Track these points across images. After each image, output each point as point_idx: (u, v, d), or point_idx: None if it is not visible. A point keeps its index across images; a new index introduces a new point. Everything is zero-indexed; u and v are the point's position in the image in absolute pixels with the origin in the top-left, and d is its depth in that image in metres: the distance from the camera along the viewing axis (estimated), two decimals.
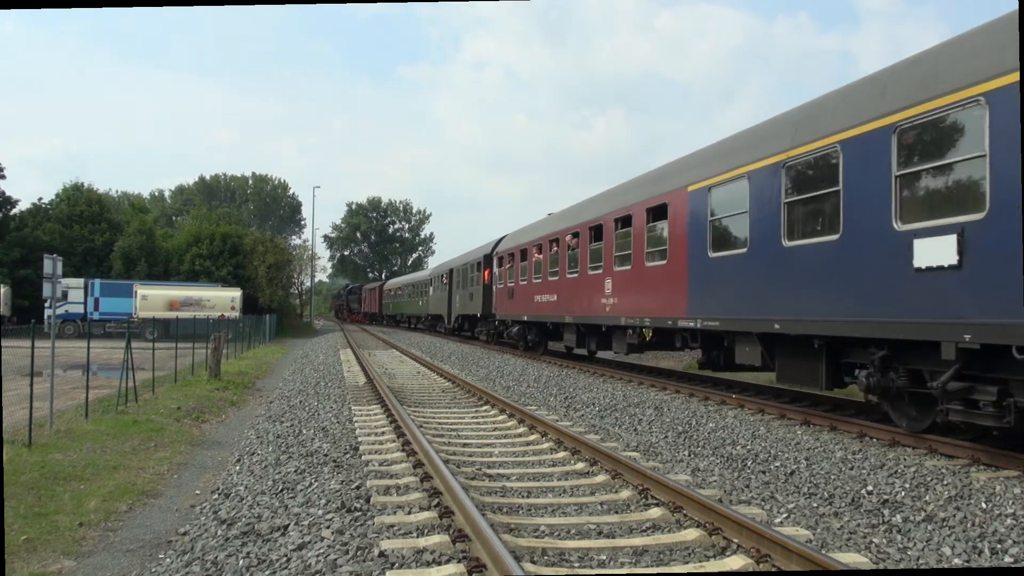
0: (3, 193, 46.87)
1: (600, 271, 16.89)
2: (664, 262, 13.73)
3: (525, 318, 22.98)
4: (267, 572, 5.03)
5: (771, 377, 17.12)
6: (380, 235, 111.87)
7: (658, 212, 14.17)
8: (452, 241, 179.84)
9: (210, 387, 16.24)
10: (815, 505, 6.81)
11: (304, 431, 10.47)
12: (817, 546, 5.52)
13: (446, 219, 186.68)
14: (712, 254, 11.95)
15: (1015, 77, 6.74)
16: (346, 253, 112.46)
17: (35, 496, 7.14)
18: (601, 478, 7.52)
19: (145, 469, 8.51)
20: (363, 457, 8.51)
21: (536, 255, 22.08)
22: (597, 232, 17.38)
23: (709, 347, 13.65)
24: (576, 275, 18.53)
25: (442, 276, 39.12)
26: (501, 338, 27.95)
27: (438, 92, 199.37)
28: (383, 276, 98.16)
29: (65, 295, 37.30)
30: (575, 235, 18.91)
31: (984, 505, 6.27)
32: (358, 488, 7.05)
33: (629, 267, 15.35)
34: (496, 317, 27.15)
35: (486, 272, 28.70)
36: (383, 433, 10.06)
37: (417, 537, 5.54)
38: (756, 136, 11.40)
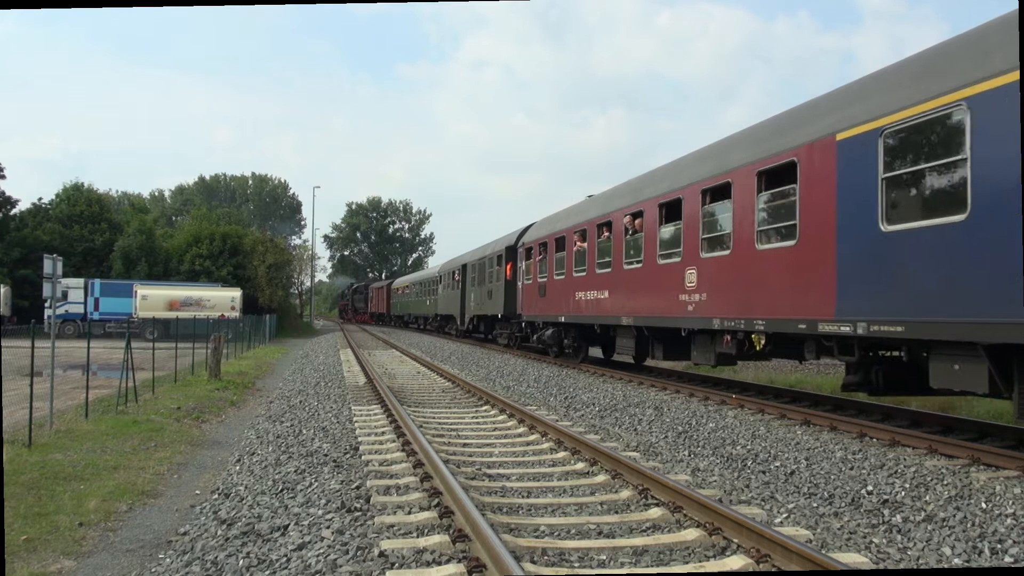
0: (3, 193, 46.89)
1: (677, 259, 13.12)
2: (792, 243, 10.13)
3: (562, 319, 19.31)
4: (267, 572, 5.03)
5: (772, 377, 16.97)
6: (380, 235, 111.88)
7: (778, 175, 10.63)
8: (452, 241, 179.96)
9: (210, 387, 16.24)
10: (815, 505, 6.81)
11: (304, 431, 10.47)
12: (817, 546, 5.52)
13: (446, 219, 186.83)
14: (887, 227, 8.34)
15: None
16: (346, 253, 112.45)
17: (35, 496, 7.14)
18: (601, 478, 7.52)
19: (145, 469, 8.51)
20: (363, 457, 8.51)
21: (578, 243, 18.40)
22: (672, 210, 13.62)
23: (869, 362, 9.75)
24: (638, 266, 14.88)
25: (453, 273, 35.75)
26: (526, 342, 24.77)
27: (438, 92, 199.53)
28: (383, 276, 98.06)
29: (65, 295, 37.34)
30: (636, 216, 15.15)
31: (984, 505, 6.27)
32: (358, 488, 7.05)
33: (726, 252, 11.61)
34: (522, 318, 23.42)
35: (508, 266, 25.36)
36: (383, 433, 10.06)
37: (417, 537, 5.54)
38: (985, 37, 7.63)
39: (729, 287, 11.61)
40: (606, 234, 16.75)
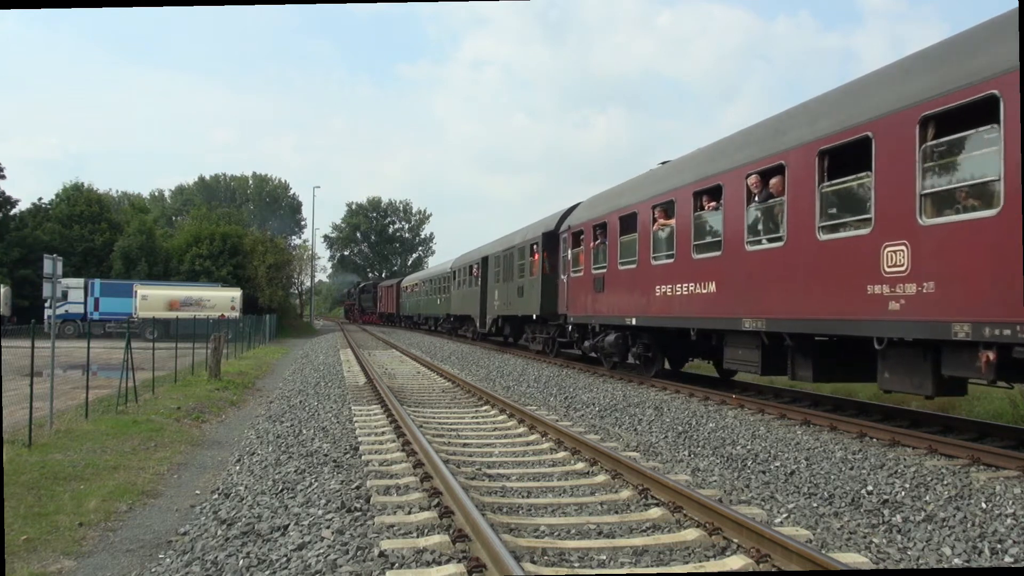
0: (3, 193, 46.89)
1: (864, 231, 8.72)
2: None
3: (630, 321, 14.95)
4: (267, 572, 5.03)
5: (771, 378, 16.75)
6: (380, 235, 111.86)
7: None
8: (452, 241, 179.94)
9: (210, 387, 16.24)
10: (815, 505, 6.82)
11: (304, 431, 10.48)
12: (817, 546, 5.52)
13: (446, 219, 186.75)
14: None
15: None
16: (346, 253, 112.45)
17: (35, 496, 7.14)
18: (601, 478, 7.52)
19: (145, 469, 8.51)
20: (363, 457, 8.51)
21: (660, 220, 13.93)
22: (846, 157, 9.26)
23: None
24: (774, 246, 10.42)
25: (470, 267, 31.64)
26: (566, 348, 20.66)
27: (438, 91, 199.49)
28: (383, 276, 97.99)
29: (65, 295, 37.35)
30: (769, 174, 10.63)
31: (984, 505, 6.27)
32: (358, 488, 7.05)
33: (991, 213, 7.15)
34: (569, 320, 19.06)
35: (542, 257, 21.29)
36: (383, 433, 10.06)
37: (417, 537, 5.54)
38: None
39: (994, 270, 7.11)
40: (710, 204, 12.23)
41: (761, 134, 11.29)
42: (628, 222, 15.47)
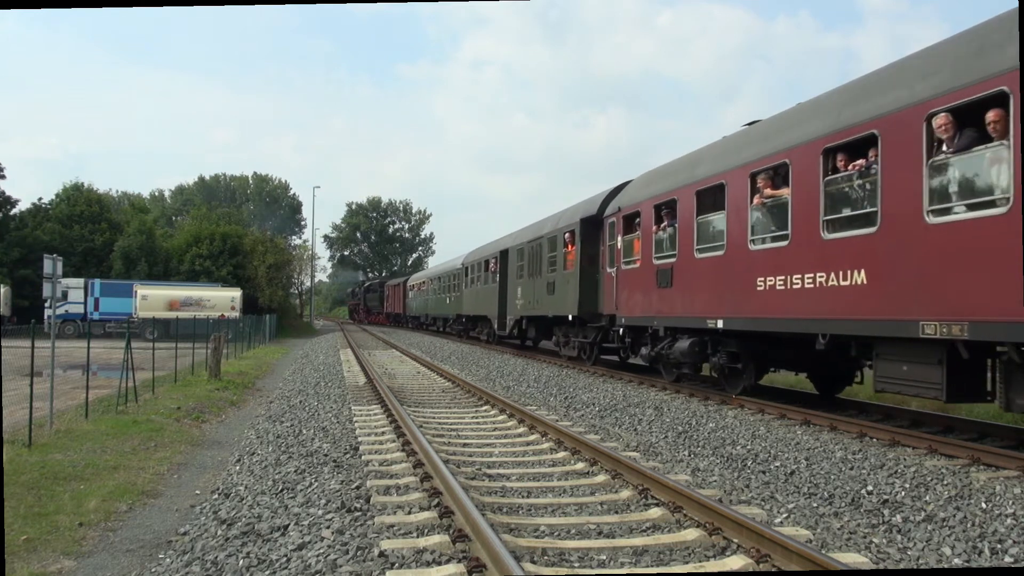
0: (3, 193, 46.91)
1: None
2: None
3: (716, 324, 11.78)
4: (267, 572, 5.03)
5: (771, 377, 16.53)
6: (380, 235, 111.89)
7: None
8: (452, 241, 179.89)
9: (210, 387, 16.24)
10: (815, 505, 6.82)
11: (304, 431, 10.48)
12: (817, 546, 5.52)
13: (446, 219, 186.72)
14: None
15: None
16: (346, 253, 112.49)
17: (35, 496, 7.14)
18: (601, 478, 7.52)
19: (145, 469, 8.51)
20: (363, 457, 8.51)
21: (768, 191, 10.61)
22: None
23: None
24: (990, 214, 7.17)
25: (485, 263, 28.74)
26: (608, 355, 18.45)
27: (438, 91, 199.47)
28: (382, 275, 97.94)
29: (65, 295, 37.37)
30: (969, 111, 7.46)
31: (984, 505, 6.27)
32: (358, 488, 7.05)
33: None
34: (620, 320, 15.86)
35: (578, 248, 18.33)
36: (383, 433, 10.06)
37: (417, 537, 5.54)
38: None
39: None
40: (854, 164, 9.01)
41: (964, 48, 7.71)
42: (710, 197, 12.21)
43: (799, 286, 9.90)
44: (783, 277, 10.24)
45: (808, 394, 12.99)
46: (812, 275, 9.65)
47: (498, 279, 26.48)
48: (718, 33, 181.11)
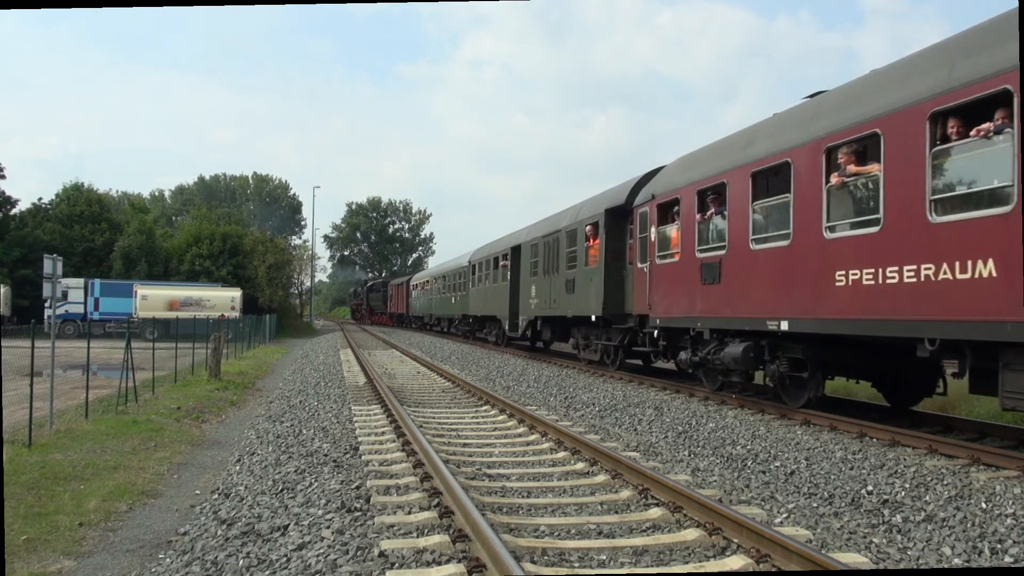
0: (3, 193, 46.92)
1: None
2: None
3: (783, 326, 10.12)
4: (267, 572, 5.03)
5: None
6: (380, 235, 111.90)
7: None
8: (452, 241, 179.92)
9: (210, 387, 16.25)
10: (815, 505, 6.82)
11: (304, 431, 10.48)
12: (817, 546, 5.52)
13: (446, 219, 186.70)
14: None
15: None
16: (346, 253, 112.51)
17: (35, 496, 7.14)
18: (601, 478, 7.52)
19: (145, 469, 8.51)
20: (363, 457, 8.51)
21: (852, 168, 9.02)
22: None
23: None
24: None
25: (495, 260, 27.41)
26: (632, 358, 17.14)
27: (438, 91, 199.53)
28: (382, 275, 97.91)
29: (65, 295, 37.35)
30: None
31: (984, 505, 6.27)
32: (358, 488, 7.05)
33: None
34: (654, 321, 14.05)
35: (598, 242, 17.01)
36: (383, 433, 10.06)
37: (417, 537, 5.54)
38: None
39: None
40: (977, 131, 7.39)
41: None
42: (770, 178, 10.85)
43: (895, 280, 8.20)
44: (872, 270, 8.55)
45: (879, 406, 11.28)
46: (914, 267, 7.96)
47: (509, 277, 25.07)
48: (718, 33, 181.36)
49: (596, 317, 16.90)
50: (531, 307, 22.51)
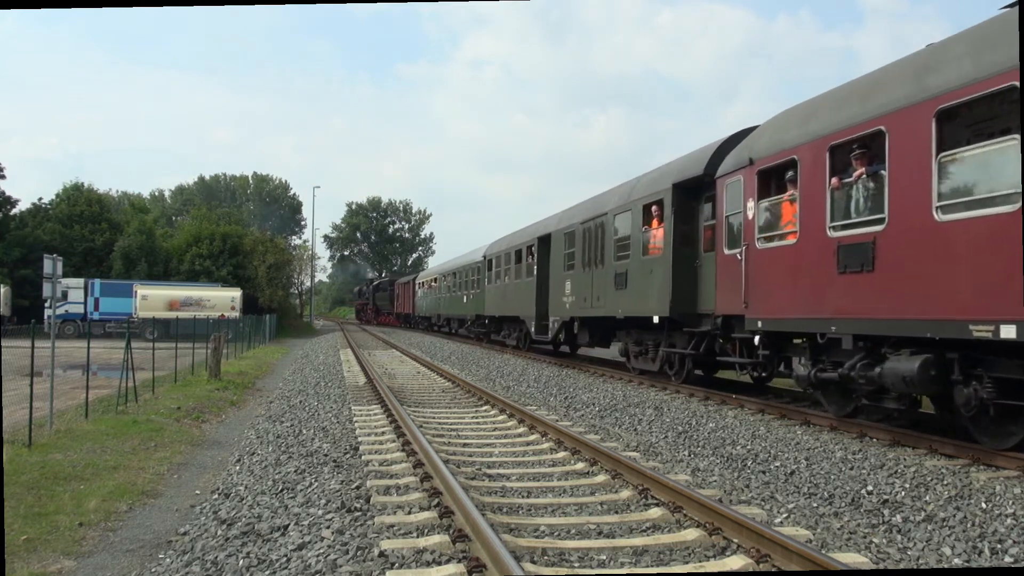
0: (3, 193, 46.92)
1: None
2: None
3: (999, 334, 6.93)
4: (267, 572, 5.03)
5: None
6: (380, 235, 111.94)
7: None
8: (452, 241, 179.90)
9: (210, 387, 16.24)
10: (815, 505, 6.82)
11: (304, 431, 10.48)
12: (817, 546, 5.52)
13: (446, 219, 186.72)
14: None
15: None
16: (346, 253, 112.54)
17: (35, 496, 7.14)
18: (601, 478, 7.52)
19: (145, 469, 8.51)
20: (363, 457, 8.51)
21: None
22: None
23: None
24: None
25: (516, 253, 24.57)
26: (707, 369, 14.38)
27: (438, 91, 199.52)
28: (382, 275, 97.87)
29: (65, 295, 37.35)
30: None
31: (984, 505, 6.27)
32: (358, 488, 7.05)
33: None
34: (755, 323, 11.01)
35: (662, 225, 14.08)
36: (383, 433, 10.06)
37: (417, 537, 5.54)
38: None
39: None
40: None
41: None
42: (968, 117, 8.36)
43: None
44: None
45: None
46: None
47: (535, 272, 22.11)
48: (718, 32, 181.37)
49: (659, 318, 13.91)
50: (565, 306, 19.45)
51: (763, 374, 12.54)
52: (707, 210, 13.24)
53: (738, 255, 11.49)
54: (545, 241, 21.82)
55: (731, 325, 11.98)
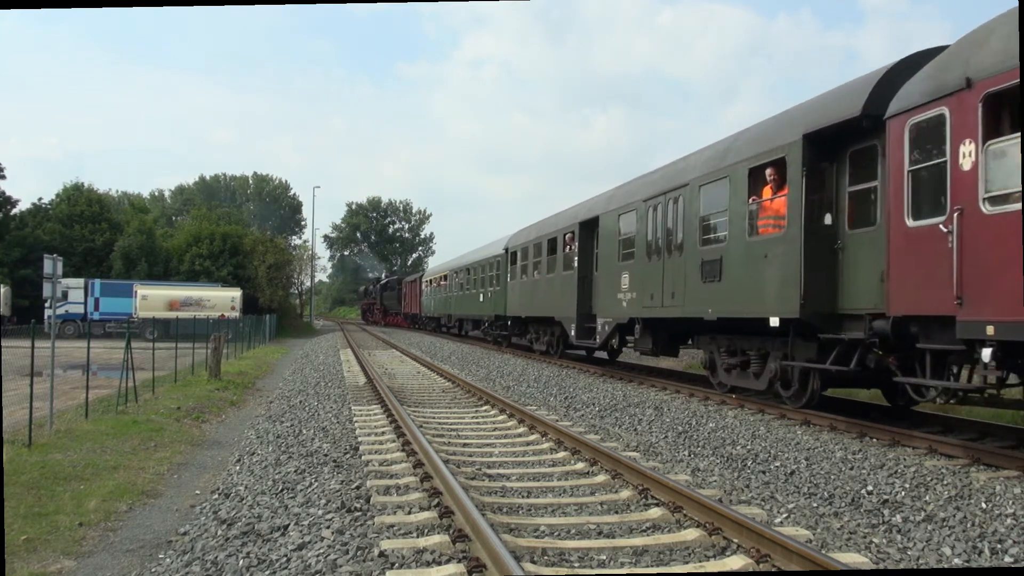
0: (3, 193, 46.92)
1: None
2: None
3: None
4: (267, 572, 5.03)
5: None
6: (380, 235, 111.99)
7: None
8: (452, 241, 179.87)
9: (210, 387, 16.24)
10: (815, 505, 6.82)
11: (304, 431, 10.48)
12: (817, 546, 5.52)
13: (446, 219, 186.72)
14: None
15: None
16: (346, 253, 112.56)
17: (35, 496, 7.14)
18: (601, 478, 7.52)
19: (145, 469, 8.51)
20: (363, 457, 8.51)
21: None
22: None
23: None
24: None
25: (550, 242, 21.06)
26: (848, 383, 10.79)
27: (438, 91, 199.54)
28: (383, 276, 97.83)
29: (65, 295, 37.34)
30: None
31: (984, 505, 6.27)
32: (358, 488, 7.05)
33: None
34: (984, 328, 7.14)
35: (782, 196, 10.37)
36: (383, 433, 10.06)
37: (417, 537, 5.54)
38: None
39: None
40: None
41: None
42: None
43: None
44: None
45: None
46: None
47: (577, 264, 18.65)
48: (719, 32, 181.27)
49: (780, 320, 10.41)
50: (621, 304, 15.81)
51: (993, 396, 8.06)
52: (851, 171, 9.78)
53: (942, 226, 7.77)
54: (589, 226, 18.28)
55: (908, 330, 8.55)
